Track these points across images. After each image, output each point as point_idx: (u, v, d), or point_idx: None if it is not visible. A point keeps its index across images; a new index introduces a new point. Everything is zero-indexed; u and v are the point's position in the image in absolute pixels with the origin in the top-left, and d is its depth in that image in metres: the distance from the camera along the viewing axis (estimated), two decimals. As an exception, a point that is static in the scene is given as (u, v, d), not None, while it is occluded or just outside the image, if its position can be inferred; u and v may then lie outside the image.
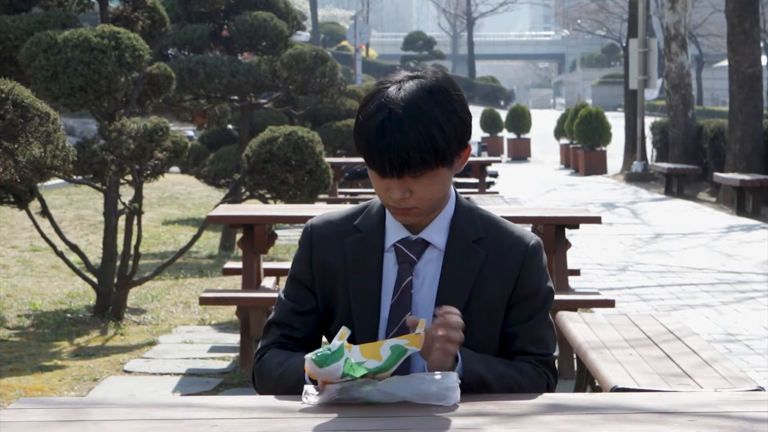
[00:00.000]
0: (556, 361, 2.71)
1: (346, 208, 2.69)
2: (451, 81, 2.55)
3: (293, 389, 2.49)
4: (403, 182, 2.47)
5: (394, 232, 2.59)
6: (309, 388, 2.37)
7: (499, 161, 16.16)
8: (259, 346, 2.67)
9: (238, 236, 8.15)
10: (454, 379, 2.36)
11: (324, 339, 2.65)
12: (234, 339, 7.58)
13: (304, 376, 2.47)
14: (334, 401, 2.33)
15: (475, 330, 2.53)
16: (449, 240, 2.58)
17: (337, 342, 2.34)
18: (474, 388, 2.45)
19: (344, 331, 2.34)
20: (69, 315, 8.46)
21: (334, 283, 2.60)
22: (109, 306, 8.27)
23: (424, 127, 2.44)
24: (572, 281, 8.34)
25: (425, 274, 2.58)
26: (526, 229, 2.68)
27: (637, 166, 24.51)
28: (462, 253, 2.57)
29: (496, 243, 2.59)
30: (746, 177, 16.88)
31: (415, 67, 2.59)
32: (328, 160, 9.06)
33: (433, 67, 2.63)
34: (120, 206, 8.29)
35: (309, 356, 2.33)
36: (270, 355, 2.62)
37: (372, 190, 2.66)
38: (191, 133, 26.62)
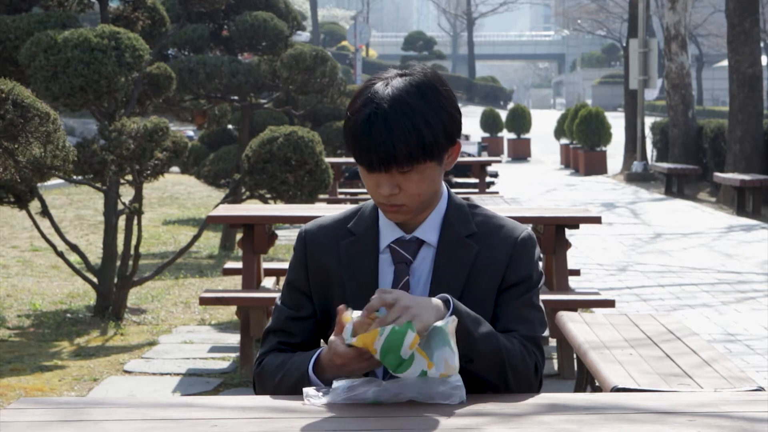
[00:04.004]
0: (555, 362, 2.70)
1: (340, 211, 2.68)
2: (439, 77, 2.54)
3: (295, 387, 2.49)
4: (391, 177, 2.47)
5: (388, 232, 2.59)
6: (310, 390, 2.37)
7: (499, 161, 16.17)
8: (257, 354, 2.67)
9: (238, 236, 8.15)
10: (459, 378, 2.36)
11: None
12: (234, 339, 7.58)
13: (307, 372, 2.47)
14: (340, 402, 2.32)
15: None
16: (441, 236, 2.58)
17: (407, 350, 2.28)
18: (461, 341, 2.38)
19: (416, 339, 2.29)
20: (69, 315, 8.46)
21: (330, 287, 2.59)
22: (109, 306, 8.27)
23: (411, 122, 2.44)
24: (572, 281, 8.34)
25: (421, 273, 2.58)
26: (518, 223, 2.67)
27: (637, 166, 24.51)
28: (454, 249, 2.57)
29: (488, 237, 2.59)
30: (746, 177, 16.88)
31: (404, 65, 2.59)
32: (328, 160, 9.07)
33: (424, 65, 2.62)
34: (120, 206, 8.30)
35: (378, 356, 2.28)
36: (269, 359, 2.62)
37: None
38: (191, 133, 26.63)
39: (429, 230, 2.58)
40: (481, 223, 2.61)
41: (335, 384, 2.35)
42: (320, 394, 2.35)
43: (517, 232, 2.61)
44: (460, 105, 2.58)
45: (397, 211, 2.53)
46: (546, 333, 2.65)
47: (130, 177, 8.14)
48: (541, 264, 2.67)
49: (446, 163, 2.54)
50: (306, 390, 2.37)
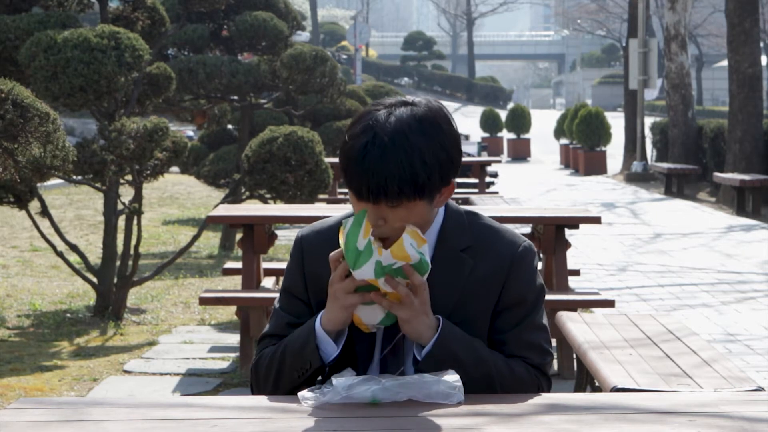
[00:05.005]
0: (555, 362, 2.69)
1: (337, 216, 2.65)
2: (444, 114, 2.48)
3: (301, 349, 2.49)
4: (378, 209, 2.43)
5: None
6: (306, 393, 2.37)
7: (499, 161, 16.18)
8: (254, 355, 2.66)
9: (238, 236, 8.15)
10: (458, 378, 2.36)
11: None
12: (234, 339, 7.58)
13: (314, 329, 2.48)
14: (338, 401, 2.33)
15: None
16: (437, 249, 2.54)
17: (363, 240, 2.35)
18: (446, 365, 2.41)
19: (368, 228, 2.37)
20: (69, 315, 8.46)
21: (327, 295, 2.54)
22: (109, 306, 8.27)
23: (407, 158, 2.38)
24: (572, 281, 8.33)
25: None
26: (517, 234, 2.61)
27: (637, 166, 24.52)
28: (449, 263, 2.53)
29: (484, 251, 2.54)
30: (746, 177, 16.89)
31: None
32: (328, 160, 9.06)
33: (429, 99, 2.54)
34: (120, 206, 8.30)
35: (338, 260, 2.42)
36: (266, 350, 2.62)
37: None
38: (191, 133, 26.62)
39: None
40: (478, 235, 2.56)
41: (335, 382, 2.35)
42: (317, 394, 2.35)
43: (514, 247, 2.56)
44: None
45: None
46: (551, 360, 2.63)
47: (129, 177, 8.14)
48: (540, 276, 2.62)
49: (437, 201, 2.48)
50: (302, 393, 2.37)
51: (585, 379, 5.49)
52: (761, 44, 25.31)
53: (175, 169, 15.61)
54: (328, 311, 2.48)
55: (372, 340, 2.55)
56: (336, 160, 13.53)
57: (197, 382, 6.61)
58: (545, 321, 2.62)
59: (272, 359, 2.57)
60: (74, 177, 7.64)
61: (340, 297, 2.43)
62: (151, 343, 7.60)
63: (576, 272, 7.99)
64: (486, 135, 34.60)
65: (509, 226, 2.64)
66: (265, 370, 2.59)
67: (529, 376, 2.54)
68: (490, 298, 2.54)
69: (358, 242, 2.36)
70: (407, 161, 2.38)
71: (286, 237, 13.01)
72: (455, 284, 2.53)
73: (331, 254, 2.45)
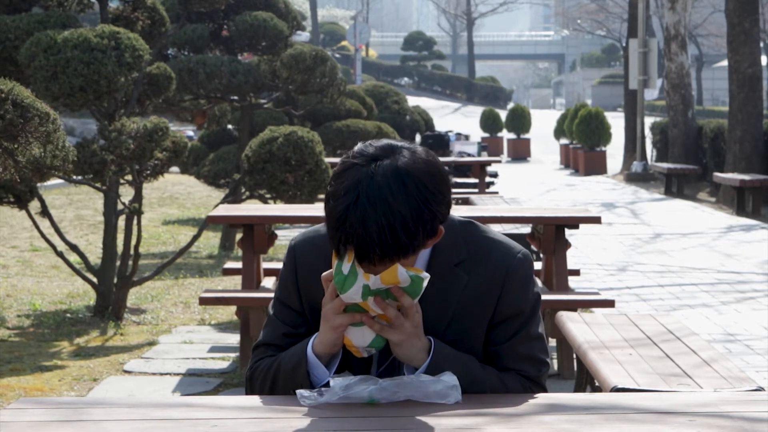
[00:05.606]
0: (555, 362, 2.69)
1: None
2: (429, 165, 2.38)
3: (294, 370, 2.48)
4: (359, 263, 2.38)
5: None
6: (304, 391, 2.37)
7: (499, 161, 16.20)
8: (249, 363, 2.64)
9: (238, 236, 8.15)
10: (455, 378, 2.36)
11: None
12: (234, 339, 7.58)
13: (306, 351, 2.47)
14: (337, 401, 2.33)
15: None
16: (430, 264, 2.50)
17: (347, 264, 2.34)
18: None
19: (351, 252, 2.35)
20: (69, 315, 8.46)
21: (320, 305, 2.50)
22: (109, 306, 8.27)
23: (389, 224, 2.31)
24: (572, 281, 8.33)
25: None
26: (512, 245, 2.55)
27: (636, 166, 24.52)
28: (442, 278, 2.49)
29: (478, 265, 2.51)
30: (746, 177, 16.89)
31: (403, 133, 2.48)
32: (327, 160, 9.06)
33: (415, 146, 2.42)
34: (120, 206, 8.30)
35: (330, 280, 2.40)
36: (261, 361, 2.60)
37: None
38: (191, 133, 26.62)
39: (417, 261, 2.49)
40: (472, 249, 2.52)
41: (332, 383, 2.36)
42: (315, 394, 2.35)
43: (508, 259, 2.52)
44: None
45: None
46: (547, 370, 2.60)
47: (129, 177, 8.14)
48: (536, 284, 2.59)
49: (423, 248, 2.42)
50: (300, 392, 2.37)
51: (585, 379, 5.49)
52: (761, 44, 25.32)
53: (175, 169, 15.61)
54: (320, 333, 2.46)
55: (368, 360, 2.53)
56: (336, 160, 13.56)
57: (197, 382, 6.61)
58: (541, 329, 2.59)
59: (266, 375, 2.56)
60: (74, 177, 7.64)
61: (329, 317, 2.41)
62: (151, 343, 7.60)
63: (576, 272, 7.99)
64: (486, 135, 34.58)
65: (507, 230, 2.62)
66: (260, 385, 2.57)
67: (524, 391, 2.52)
68: (485, 312, 2.51)
69: (343, 266, 2.34)
70: (389, 228, 2.31)
71: (286, 237, 13.01)
72: (449, 300, 2.50)
73: (323, 274, 2.43)
